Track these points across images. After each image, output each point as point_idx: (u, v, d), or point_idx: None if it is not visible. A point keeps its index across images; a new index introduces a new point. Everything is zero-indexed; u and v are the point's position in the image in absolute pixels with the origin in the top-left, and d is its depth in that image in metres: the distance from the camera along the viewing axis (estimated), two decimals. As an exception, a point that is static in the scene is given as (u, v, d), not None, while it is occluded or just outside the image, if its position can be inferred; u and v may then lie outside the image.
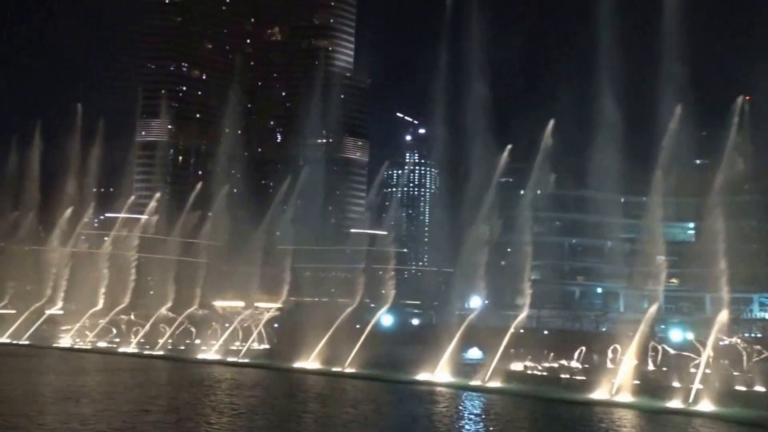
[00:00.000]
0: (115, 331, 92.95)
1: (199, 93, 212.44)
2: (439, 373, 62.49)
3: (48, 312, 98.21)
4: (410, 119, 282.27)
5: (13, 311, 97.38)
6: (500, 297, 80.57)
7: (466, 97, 75.71)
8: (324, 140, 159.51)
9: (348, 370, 68.16)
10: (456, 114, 77.57)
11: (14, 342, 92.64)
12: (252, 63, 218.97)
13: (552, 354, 65.17)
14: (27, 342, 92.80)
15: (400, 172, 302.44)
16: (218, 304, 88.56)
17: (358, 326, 75.83)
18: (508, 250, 79.11)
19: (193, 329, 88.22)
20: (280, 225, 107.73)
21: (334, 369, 68.55)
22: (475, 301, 76.83)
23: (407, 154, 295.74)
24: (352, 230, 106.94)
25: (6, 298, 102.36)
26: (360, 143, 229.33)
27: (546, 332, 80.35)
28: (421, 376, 62.48)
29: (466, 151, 75.56)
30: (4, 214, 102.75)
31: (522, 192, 69.00)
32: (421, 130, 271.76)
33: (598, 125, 64.46)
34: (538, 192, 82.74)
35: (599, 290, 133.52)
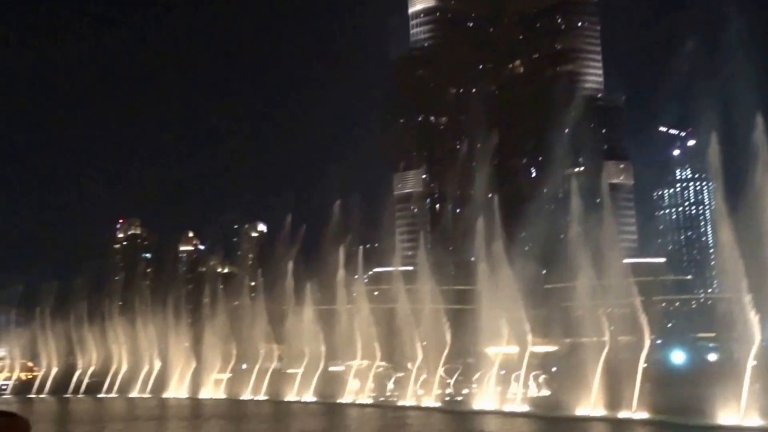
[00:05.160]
0: (392, 384, 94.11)
1: (449, 139, 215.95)
2: (748, 416, 53.56)
3: (330, 369, 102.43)
4: (676, 132, 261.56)
5: (299, 370, 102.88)
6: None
7: (742, 94, 66.26)
8: (582, 168, 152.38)
9: (637, 415, 61.37)
10: (732, 116, 68.11)
11: (301, 400, 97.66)
12: (497, 100, 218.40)
13: None
14: (313, 399, 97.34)
15: (671, 191, 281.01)
16: (490, 350, 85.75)
17: (645, 365, 68.34)
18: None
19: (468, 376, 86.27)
20: (547, 263, 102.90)
21: (621, 415, 62.08)
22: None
23: (677, 171, 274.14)
24: (626, 261, 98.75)
25: (290, 357, 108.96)
26: (622, 166, 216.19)
27: None
28: (725, 419, 54.02)
29: (745, 158, 65.58)
30: (280, 281, 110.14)
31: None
32: (691, 142, 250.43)
33: None
34: None
35: None
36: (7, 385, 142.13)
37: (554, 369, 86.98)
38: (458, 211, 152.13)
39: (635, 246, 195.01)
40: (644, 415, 61.49)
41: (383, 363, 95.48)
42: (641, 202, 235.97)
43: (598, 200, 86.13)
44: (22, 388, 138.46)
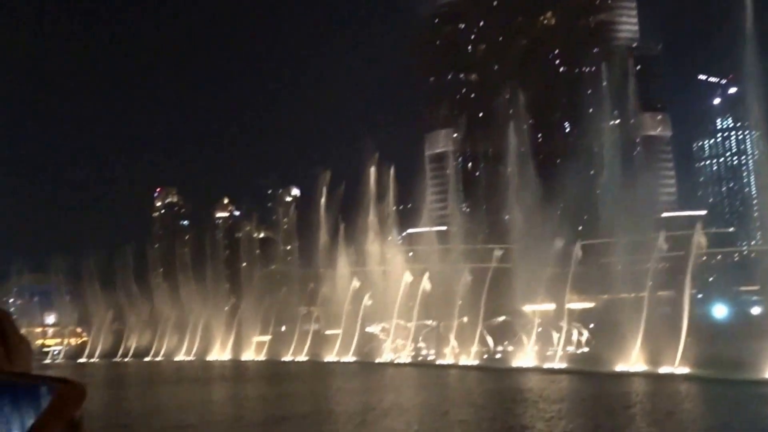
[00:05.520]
0: (425, 344, 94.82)
1: (480, 96, 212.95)
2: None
3: (367, 330, 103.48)
4: (715, 80, 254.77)
5: (338, 331, 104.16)
6: None
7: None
8: (618, 121, 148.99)
9: (679, 370, 60.84)
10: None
11: (341, 360, 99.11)
12: (528, 54, 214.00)
13: None
14: (352, 359, 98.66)
15: (711, 141, 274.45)
16: (527, 308, 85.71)
17: (686, 320, 67.57)
18: None
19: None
20: (582, 219, 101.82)
21: (662, 370, 61.66)
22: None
23: (718, 120, 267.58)
24: (665, 214, 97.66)
25: (328, 319, 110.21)
26: (659, 117, 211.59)
27: None
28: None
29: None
30: (315, 244, 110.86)
31: None
32: (732, 90, 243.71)
33: None
34: None
35: None
36: (60, 350, 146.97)
37: (592, 325, 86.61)
38: (492, 168, 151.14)
39: (674, 199, 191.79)
40: (686, 370, 60.95)
41: (420, 322, 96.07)
42: (680, 154, 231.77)
43: (635, 153, 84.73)
44: (74, 353, 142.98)
